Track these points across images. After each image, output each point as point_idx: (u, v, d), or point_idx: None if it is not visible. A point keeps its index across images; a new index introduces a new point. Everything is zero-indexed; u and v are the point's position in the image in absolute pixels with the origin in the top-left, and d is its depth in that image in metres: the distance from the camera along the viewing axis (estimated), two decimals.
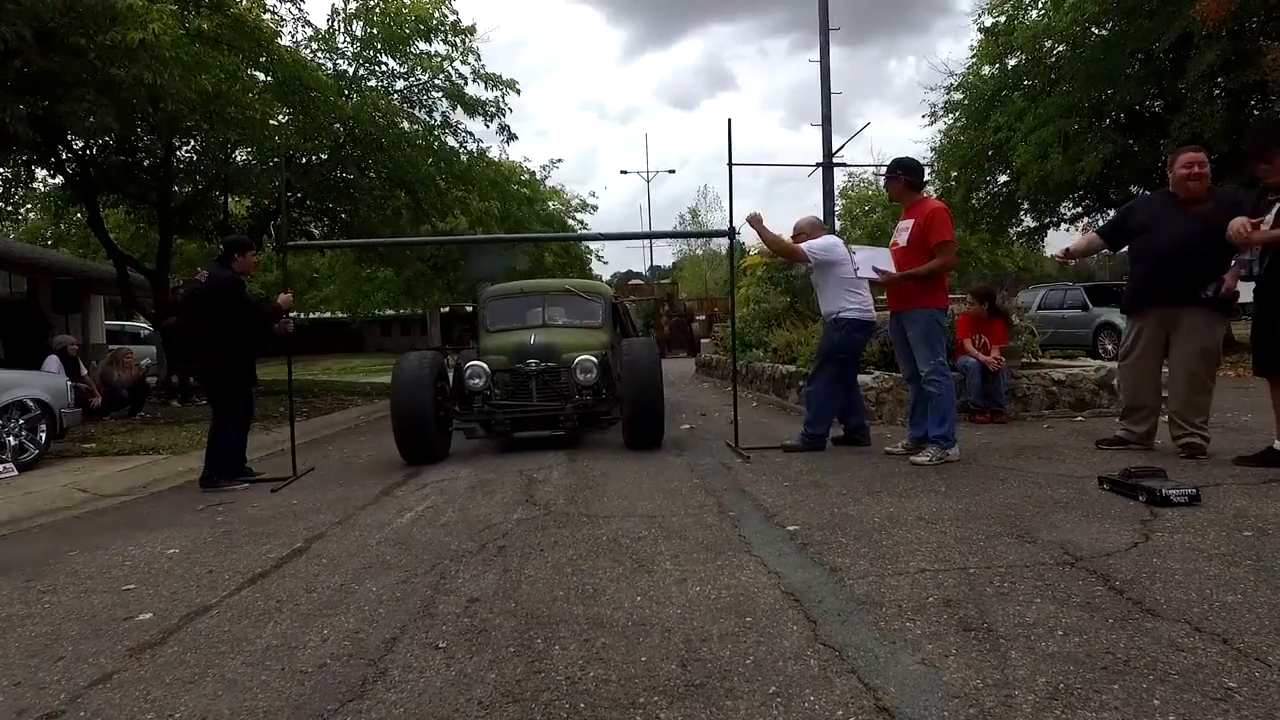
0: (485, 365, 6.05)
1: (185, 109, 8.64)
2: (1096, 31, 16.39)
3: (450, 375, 6.35)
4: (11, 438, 5.93)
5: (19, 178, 13.77)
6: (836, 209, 31.94)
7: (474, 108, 15.07)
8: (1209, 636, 2.04)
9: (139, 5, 7.25)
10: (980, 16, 18.80)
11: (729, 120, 5.69)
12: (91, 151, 12.10)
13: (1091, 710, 1.70)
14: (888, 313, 5.20)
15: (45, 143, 10.33)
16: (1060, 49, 16.97)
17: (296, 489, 5.07)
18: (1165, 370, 4.74)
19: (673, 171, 58.84)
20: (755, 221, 5.29)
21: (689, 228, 45.87)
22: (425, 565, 3.09)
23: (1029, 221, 20.33)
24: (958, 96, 19.68)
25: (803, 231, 5.45)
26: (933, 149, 21.71)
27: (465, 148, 15.70)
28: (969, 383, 6.45)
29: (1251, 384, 5.72)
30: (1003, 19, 18.12)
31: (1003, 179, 19.83)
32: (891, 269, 4.80)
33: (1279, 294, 4.01)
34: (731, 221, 5.64)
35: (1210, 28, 12.40)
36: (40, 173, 13.63)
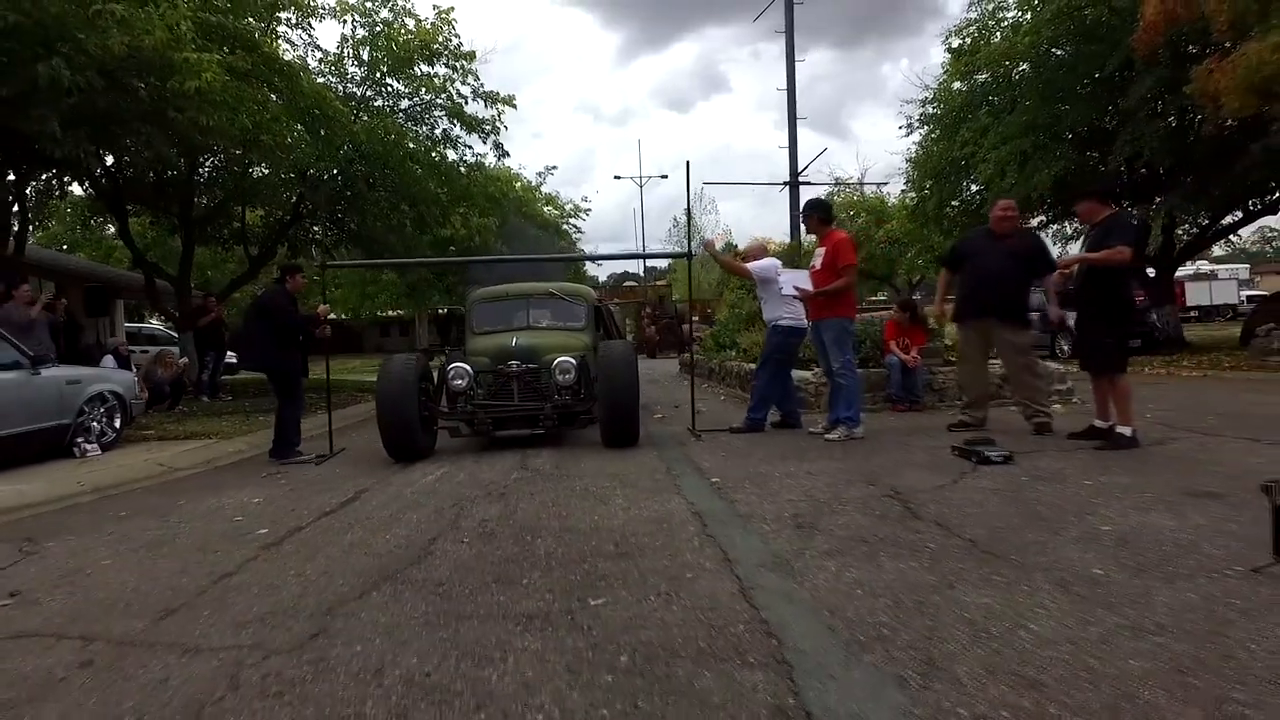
0: (468, 366, 6.35)
1: (230, 144, 9.89)
2: (1056, 52, 17.65)
3: (436, 376, 6.63)
4: (96, 424, 7.15)
5: (51, 190, 14.96)
6: None
7: (473, 126, 16.32)
8: (942, 529, 3.30)
9: (194, 58, 8.49)
10: (948, 37, 19.98)
11: (687, 162, 6.94)
12: (123, 170, 13.30)
13: (843, 558, 2.95)
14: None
15: (90, 165, 11.55)
16: (1023, 68, 18.18)
17: (336, 463, 6.31)
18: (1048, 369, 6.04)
19: (665, 177, 59.90)
20: (709, 246, 6.57)
21: (682, 231, 47.25)
22: (449, 503, 4.35)
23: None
24: (931, 110, 20.91)
25: (750, 253, 6.73)
26: (908, 159, 23.05)
27: (464, 160, 16.98)
28: (891, 377, 7.74)
29: (1164, 383, 6.68)
30: (969, 40, 19.36)
31: (975, 188, 20.95)
32: (809, 287, 6.07)
33: (1090, 308, 5.27)
34: (690, 246, 6.91)
35: (1143, 55, 13.64)
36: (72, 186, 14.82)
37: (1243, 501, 3.44)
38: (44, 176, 13.06)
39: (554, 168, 40.13)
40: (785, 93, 14.61)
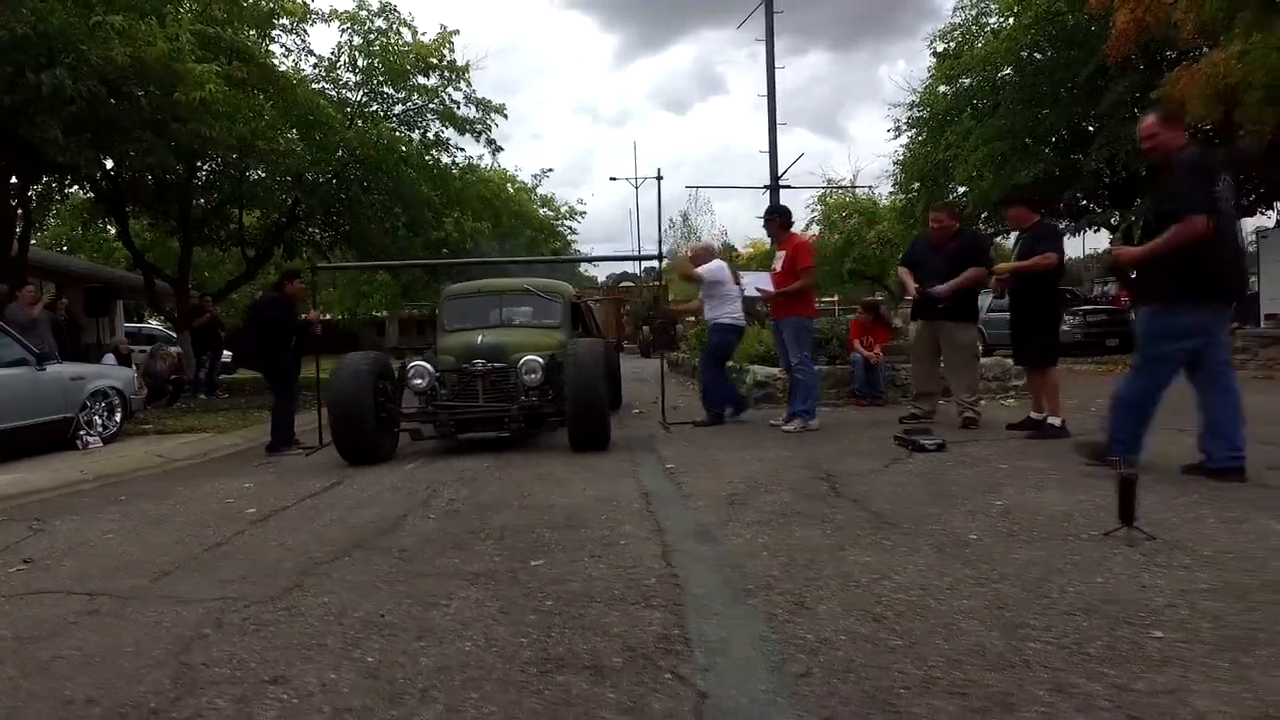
0: (428, 365, 6.18)
1: (227, 151, 10.30)
2: (1037, 57, 18.05)
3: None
4: (98, 418, 7.55)
5: (51, 193, 15.34)
6: (816, 214, 33.64)
7: (464, 126, 16.76)
8: (857, 504, 3.70)
9: (197, 70, 8.89)
10: (933, 42, 20.37)
11: (659, 170, 7.37)
12: (123, 174, 13.68)
13: (759, 528, 3.35)
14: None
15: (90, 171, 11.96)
16: (1006, 72, 18.57)
17: (324, 454, 6.68)
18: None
19: (660, 178, 60.32)
20: (674, 256, 6.98)
21: (680, 231, 47.76)
22: (423, 487, 4.74)
23: (984, 229, 22.03)
24: (918, 113, 21.33)
25: (697, 255, 7.13)
26: (895, 162, 23.47)
27: (456, 163, 17.39)
28: (855, 374, 8.14)
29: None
30: (953, 45, 19.77)
31: (962, 189, 21.33)
32: (770, 289, 6.47)
33: (1024, 308, 5.66)
34: (660, 249, 7.31)
35: (1116, 62, 14.03)
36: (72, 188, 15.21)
37: (1142, 482, 3.83)
38: (45, 180, 13.43)
39: (550, 170, 40.65)
40: (766, 98, 14.98)
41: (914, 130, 21.68)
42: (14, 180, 11.43)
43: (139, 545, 3.69)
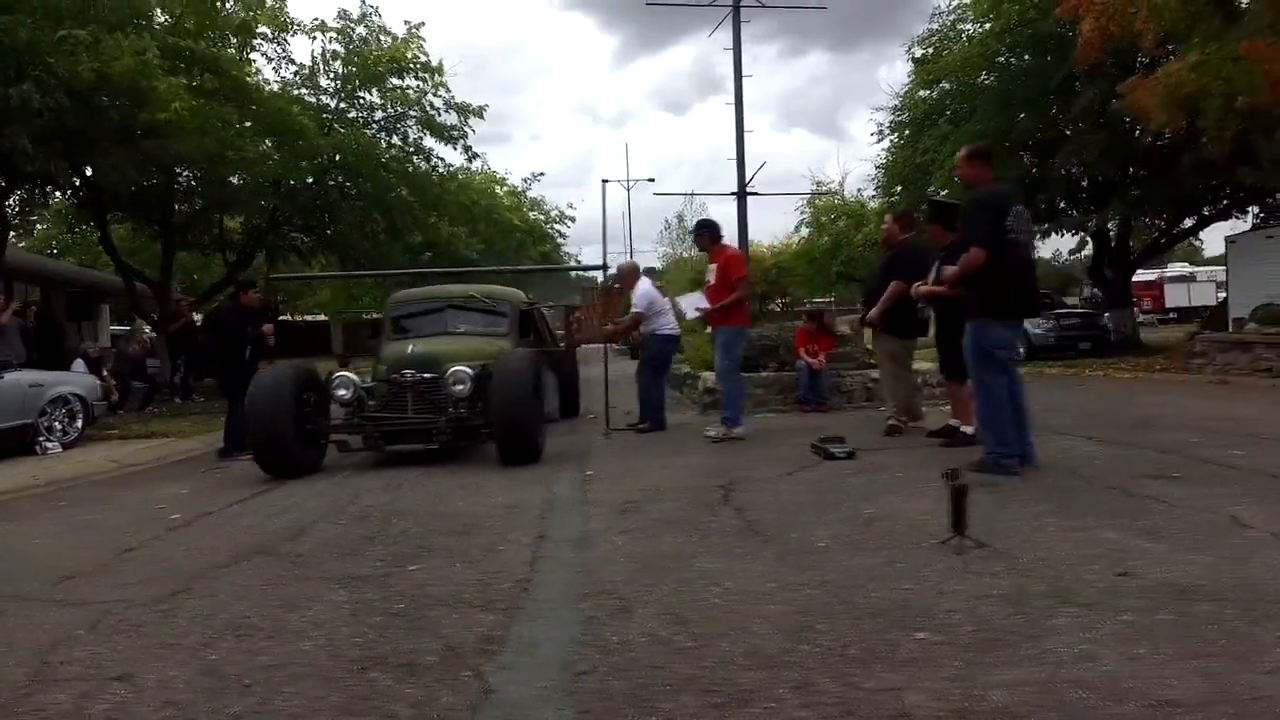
0: (353, 376, 6.14)
1: (195, 165, 10.54)
2: (1014, 63, 18.23)
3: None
4: (58, 424, 7.77)
5: (34, 199, 15.56)
6: (805, 217, 33.82)
7: (441, 133, 17.02)
8: (737, 513, 3.91)
9: (163, 87, 9.11)
10: (911, 47, 20.55)
11: (605, 181, 7.55)
12: (100, 182, 13.92)
13: (634, 535, 3.55)
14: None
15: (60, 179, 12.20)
16: (982, 77, 18.75)
17: None
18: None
19: (651, 180, 60.96)
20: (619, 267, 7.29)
21: (675, 233, 48.15)
22: (347, 493, 4.95)
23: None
24: (897, 118, 21.56)
25: (625, 275, 7.37)
26: (877, 166, 23.70)
27: (435, 169, 17.63)
28: (800, 380, 8.35)
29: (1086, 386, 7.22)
30: (930, 50, 19.97)
31: (945, 192, 21.43)
32: (706, 305, 6.68)
33: (945, 323, 5.84)
34: (604, 260, 7.54)
35: (1084, 69, 14.21)
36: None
37: (1009, 490, 4.05)
38: (26, 188, 13.65)
39: (541, 173, 40.62)
40: (734, 105, 15.19)
41: (895, 134, 21.90)
42: None
43: (59, 549, 3.91)
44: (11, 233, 17.39)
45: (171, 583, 3.17)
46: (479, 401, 5.88)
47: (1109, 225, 18.31)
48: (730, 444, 6.25)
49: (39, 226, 20.33)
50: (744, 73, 15.40)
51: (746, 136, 16.31)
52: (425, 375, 6.02)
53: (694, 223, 6.97)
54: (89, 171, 12.83)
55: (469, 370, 5.87)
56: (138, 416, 10.63)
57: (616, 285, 7.44)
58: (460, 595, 2.83)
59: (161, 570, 3.38)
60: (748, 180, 15.40)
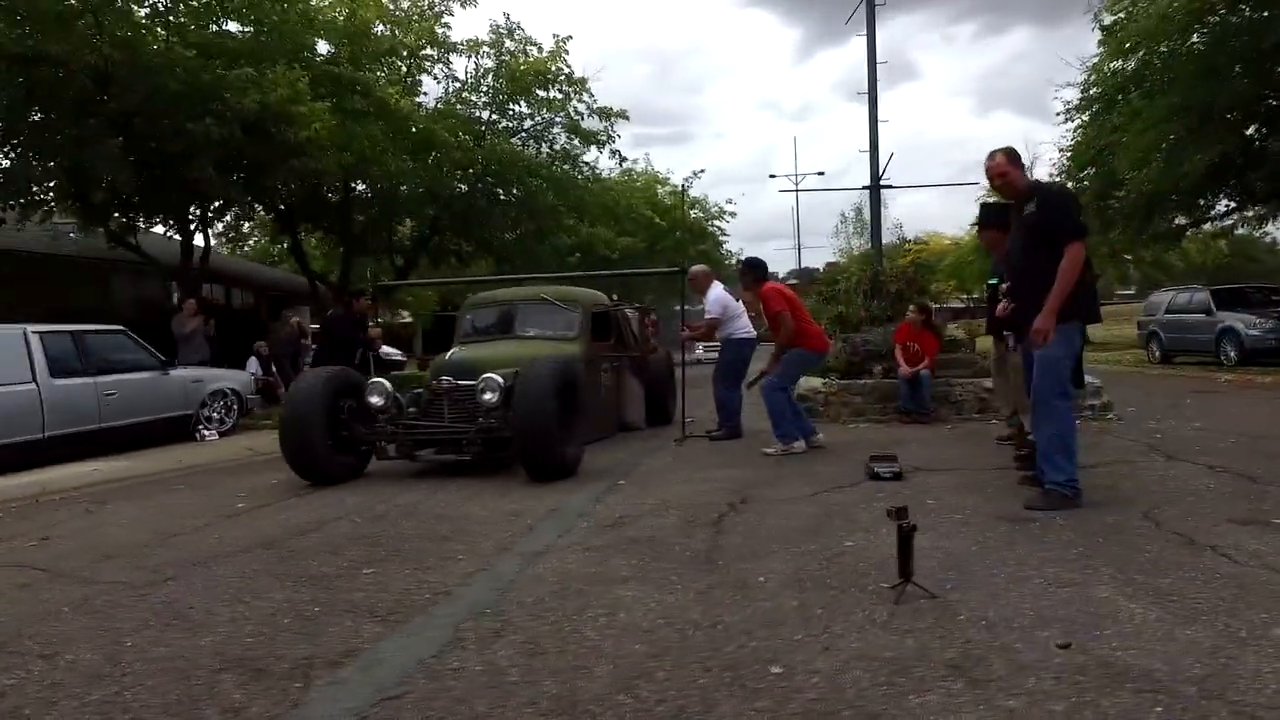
0: (386, 383, 5.99)
1: (334, 180, 11.75)
2: (1231, 20, 15.75)
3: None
4: (216, 414, 8.96)
5: (244, 214, 17.98)
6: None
7: (588, 138, 17.71)
8: (718, 535, 3.73)
9: (307, 110, 10.22)
10: (1099, 14, 18.42)
11: (682, 185, 7.44)
12: (286, 199, 15.80)
13: (594, 553, 3.49)
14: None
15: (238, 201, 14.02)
16: (1182, 41, 16.45)
17: None
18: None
19: (821, 173, 59.12)
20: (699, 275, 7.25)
21: (851, 228, 46.60)
22: (386, 494, 5.27)
23: (1180, 219, 19.59)
24: (1084, 94, 19.46)
25: (698, 281, 7.17)
26: (1060, 149, 21.49)
27: (581, 174, 18.36)
28: (900, 389, 7.75)
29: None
30: (1122, 15, 17.77)
31: (1130, 175, 19.21)
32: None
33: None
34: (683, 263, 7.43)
35: None
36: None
37: (1045, 526, 3.56)
38: (216, 208, 15.78)
39: (702, 171, 40.72)
40: (866, 95, 14.33)
41: (1082, 112, 19.75)
42: (195, 211, 13.59)
43: (129, 530, 4.50)
44: (224, 247, 20.23)
45: (171, 569, 3.55)
46: (509, 411, 5.46)
47: None
48: (788, 458, 5.96)
49: (253, 240, 23.39)
50: (878, 59, 14.44)
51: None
52: (461, 383, 5.88)
53: (742, 261, 6.88)
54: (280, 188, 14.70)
55: (499, 379, 5.62)
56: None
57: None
58: (375, 604, 2.94)
59: (176, 557, 3.79)
60: (881, 172, 14.50)
